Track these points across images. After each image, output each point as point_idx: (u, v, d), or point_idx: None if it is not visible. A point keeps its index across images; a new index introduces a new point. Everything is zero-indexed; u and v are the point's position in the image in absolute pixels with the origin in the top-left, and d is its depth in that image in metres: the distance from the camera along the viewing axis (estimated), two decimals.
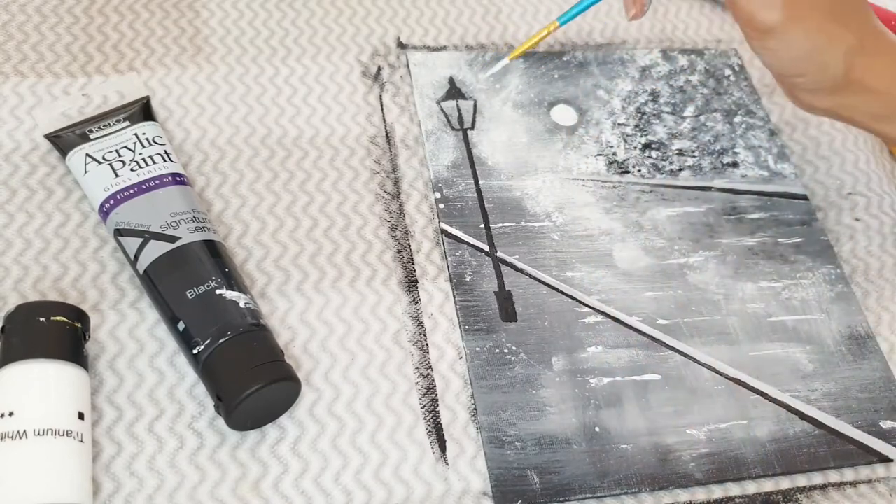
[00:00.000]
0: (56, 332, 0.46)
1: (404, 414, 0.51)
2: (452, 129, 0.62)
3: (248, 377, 0.46)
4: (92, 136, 0.55)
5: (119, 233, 0.51)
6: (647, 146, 0.64)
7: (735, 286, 0.58)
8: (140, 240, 0.50)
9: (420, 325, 0.54)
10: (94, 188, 0.53)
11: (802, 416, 0.53)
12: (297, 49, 0.65)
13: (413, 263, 0.56)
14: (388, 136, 0.62)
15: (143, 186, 0.52)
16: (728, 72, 0.69)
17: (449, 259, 0.56)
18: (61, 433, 0.43)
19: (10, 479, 0.42)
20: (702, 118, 0.66)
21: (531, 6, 0.70)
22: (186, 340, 0.48)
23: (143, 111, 0.57)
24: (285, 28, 0.66)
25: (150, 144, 0.55)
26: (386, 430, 0.50)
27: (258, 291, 0.54)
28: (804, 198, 0.63)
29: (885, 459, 0.53)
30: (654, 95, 0.67)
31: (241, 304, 0.49)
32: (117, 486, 0.46)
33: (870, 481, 0.53)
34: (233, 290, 0.49)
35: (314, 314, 0.53)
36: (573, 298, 0.56)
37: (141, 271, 0.50)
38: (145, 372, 0.50)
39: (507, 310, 0.55)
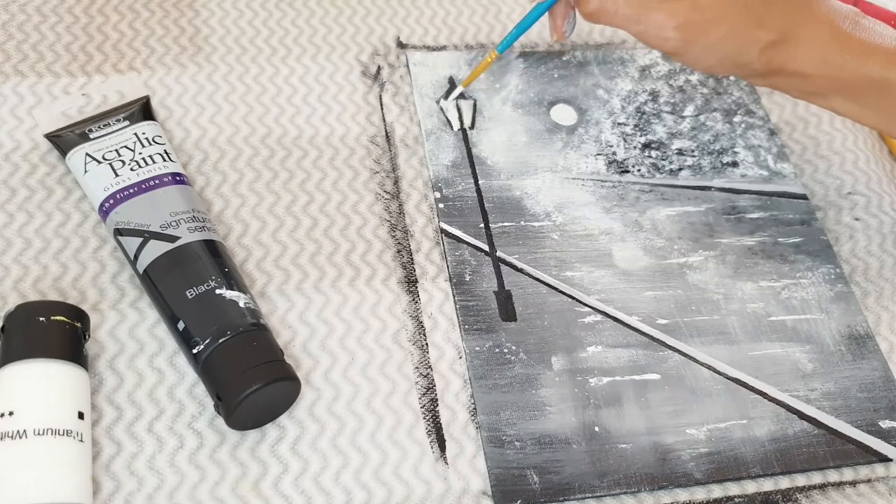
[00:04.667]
0: (56, 331, 0.46)
1: (404, 413, 0.51)
2: (451, 127, 0.62)
3: (248, 377, 0.46)
4: (92, 136, 0.55)
5: (119, 232, 0.51)
6: (646, 146, 0.64)
7: (734, 286, 0.58)
8: (140, 239, 0.50)
9: (420, 325, 0.54)
10: (94, 188, 0.53)
11: (802, 415, 0.54)
12: (297, 49, 0.65)
13: (413, 263, 0.56)
14: (387, 136, 0.62)
15: (143, 186, 0.52)
16: None
17: (448, 259, 0.56)
18: (61, 433, 0.43)
19: (10, 478, 0.42)
20: (701, 118, 0.66)
21: (531, 6, 0.70)
22: (186, 340, 0.48)
23: (142, 111, 0.57)
24: (285, 28, 0.66)
25: (150, 144, 0.55)
26: (385, 430, 0.50)
27: (258, 291, 0.54)
28: (804, 197, 0.63)
29: (884, 459, 0.53)
30: (654, 95, 0.67)
31: (241, 304, 0.49)
32: (117, 486, 0.46)
33: (869, 481, 0.53)
34: (232, 289, 0.49)
35: (314, 314, 0.53)
36: (573, 298, 0.56)
37: (141, 271, 0.50)
38: (145, 371, 0.50)
39: (507, 309, 0.55)
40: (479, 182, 0.60)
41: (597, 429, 0.51)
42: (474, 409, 0.52)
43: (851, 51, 0.50)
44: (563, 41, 0.57)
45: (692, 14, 0.49)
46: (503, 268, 0.57)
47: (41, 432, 0.43)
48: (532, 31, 0.69)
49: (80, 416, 0.45)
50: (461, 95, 0.64)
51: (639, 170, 0.63)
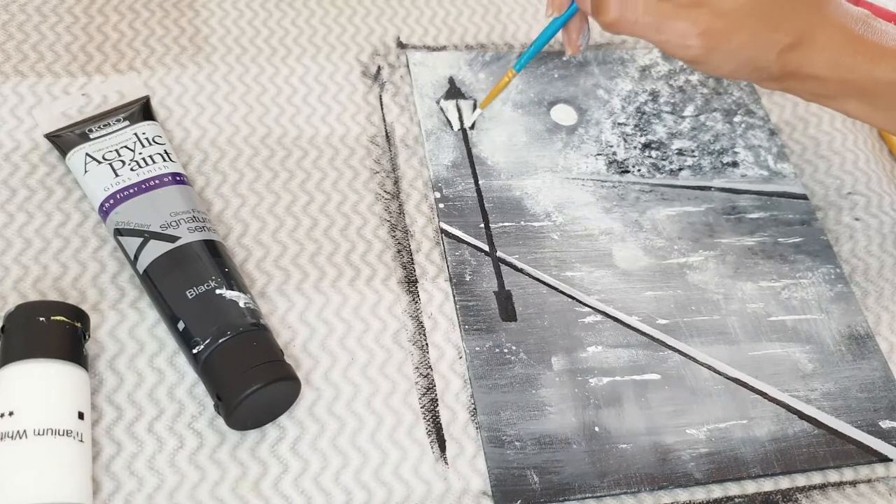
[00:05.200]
0: (56, 331, 0.46)
1: (404, 413, 0.51)
2: (451, 127, 0.62)
3: (248, 377, 0.46)
4: (92, 136, 0.55)
5: (119, 232, 0.51)
6: (646, 146, 0.64)
7: (735, 286, 0.58)
8: (140, 239, 0.50)
9: (420, 325, 0.54)
10: (94, 188, 0.53)
11: (802, 415, 0.54)
12: (297, 49, 0.65)
13: (413, 263, 0.56)
14: (387, 136, 0.62)
15: (143, 186, 0.52)
16: None
17: (449, 259, 0.56)
18: (61, 433, 0.43)
19: (10, 478, 0.42)
20: (701, 118, 0.66)
21: (531, 6, 0.70)
22: (186, 340, 0.48)
23: (142, 111, 0.57)
24: (285, 28, 0.66)
25: (150, 144, 0.55)
26: (385, 430, 0.50)
27: (258, 291, 0.54)
28: (804, 197, 0.63)
29: (884, 459, 0.53)
30: (654, 95, 0.67)
31: (241, 304, 0.49)
32: (117, 486, 0.46)
33: (869, 481, 0.53)
34: (232, 289, 0.49)
35: (314, 314, 0.53)
36: (573, 298, 0.56)
37: (141, 271, 0.50)
38: (145, 372, 0.50)
39: (507, 309, 0.55)
40: (479, 182, 0.60)
41: (597, 429, 0.51)
42: (474, 409, 0.52)
43: (863, 53, 0.50)
44: (577, 55, 0.57)
45: (714, 21, 0.49)
46: (503, 268, 0.57)
47: (41, 432, 0.43)
48: (532, 33, 0.70)
49: (80, 416, 0.45)
50: (461, 96, 0.64)
51: (639, 170, 0.63)
